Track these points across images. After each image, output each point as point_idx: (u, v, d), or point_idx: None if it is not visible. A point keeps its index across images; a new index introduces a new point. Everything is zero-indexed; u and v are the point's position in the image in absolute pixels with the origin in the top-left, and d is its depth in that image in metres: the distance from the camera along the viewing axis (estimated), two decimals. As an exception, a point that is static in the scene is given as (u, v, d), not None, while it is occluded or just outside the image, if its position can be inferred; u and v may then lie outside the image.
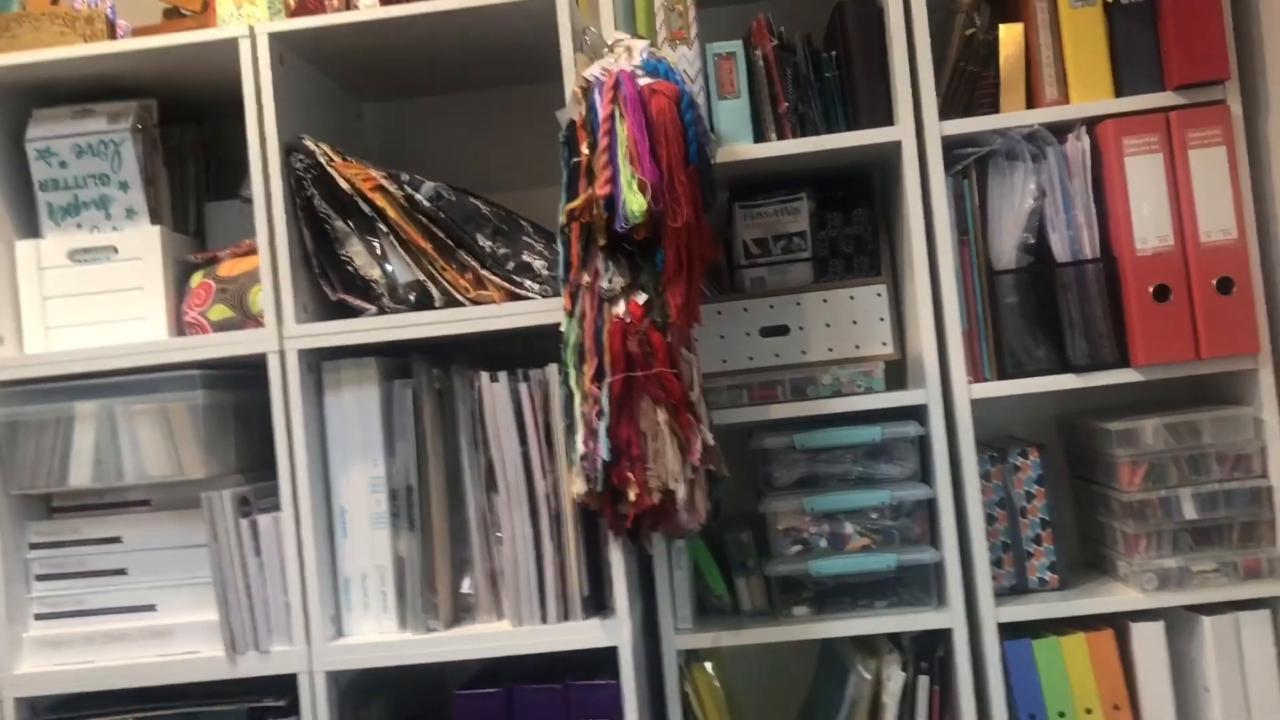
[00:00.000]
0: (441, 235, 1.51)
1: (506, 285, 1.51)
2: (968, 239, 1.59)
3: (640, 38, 1.46)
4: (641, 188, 1.29)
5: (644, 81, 1.35)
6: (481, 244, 1.52)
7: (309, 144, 1.52)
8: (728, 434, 1.54)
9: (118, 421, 1.51)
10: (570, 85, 1.43)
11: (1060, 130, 1.59)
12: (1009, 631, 1.55)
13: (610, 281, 1.35)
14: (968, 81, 1.61)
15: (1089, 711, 1.54)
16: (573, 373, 1.37)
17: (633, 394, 1.34)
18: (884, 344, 1.64)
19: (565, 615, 1.48)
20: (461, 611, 1.54)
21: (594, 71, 1.38)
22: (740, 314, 1.65)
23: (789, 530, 1.61)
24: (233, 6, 1.59)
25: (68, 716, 1.52)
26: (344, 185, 1.50)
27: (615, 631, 1.45)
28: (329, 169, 1.50)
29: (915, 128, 1.57)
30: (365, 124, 1.91)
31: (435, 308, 1.50)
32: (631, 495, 1.34)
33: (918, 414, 1.60)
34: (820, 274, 1.70)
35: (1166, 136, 1.54)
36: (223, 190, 1.75)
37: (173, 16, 1.70)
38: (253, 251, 1.53)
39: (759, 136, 1.61)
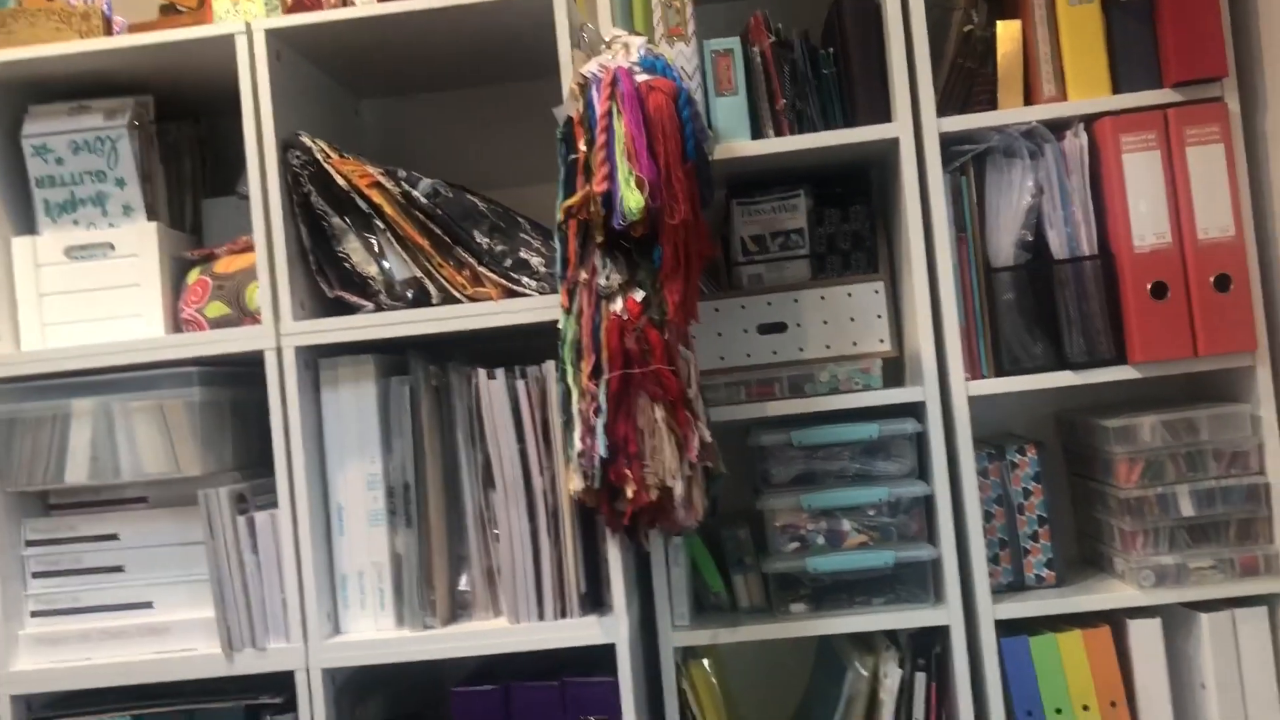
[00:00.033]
0: (439, 232, 1.51)
1: (504, 282, 1.50)
2: (965, 236, 1.59)
3: (638, 34, 1.46)
4: (639, 184, 1.29)
5: (641, 78, 1.35)
6: (479, 241, 1.52)
7: (306, 140, 1.52)
8: (725, 431, 1.54)
9: (114, 418, 1.51)
10: (568, 82, 1.43)
11: (1058, 127, 1.59)
12: (1006, 628, 1.55)
13: (608, 278, 1.35)
14: (965, 78, 1.61)
15: (1086, 708, 1.54)
16: (570, 370, 1.37)
17: (630, 391, 1.34)
18: (881, 341, 1.64)
19: (563, 612, 1.48)
20: (459, 609, 1.53)
21: (591, 68, 1.37)
22: (738, 311, 1.65)
23: (786, 527, 1.61)
24: (229, 3, 1.59)
25: (64, 714, 1.52)
26: (341, 182, 1.50)
27: (612, 628, 1.45)
28: (326, 165, 1.50)
29: (913, 124, 1.57)
30: (362, 120, 1.90)
31: (432, 305, 1.50)
32: (629, 492, 1.34)
33: (915, 411, 1.60)
34: (818, 271, 1.70)
35: (1164, 134, 1.54)
36: (219, 187, 1.75)
37: (169, 13, 1.70)
38: (249, 248, 1.53)
39: (756, 133, 1.61)
